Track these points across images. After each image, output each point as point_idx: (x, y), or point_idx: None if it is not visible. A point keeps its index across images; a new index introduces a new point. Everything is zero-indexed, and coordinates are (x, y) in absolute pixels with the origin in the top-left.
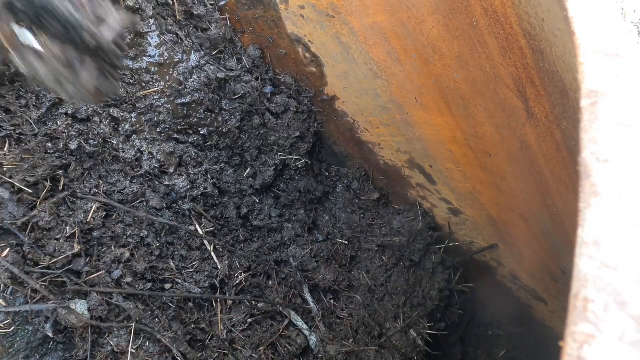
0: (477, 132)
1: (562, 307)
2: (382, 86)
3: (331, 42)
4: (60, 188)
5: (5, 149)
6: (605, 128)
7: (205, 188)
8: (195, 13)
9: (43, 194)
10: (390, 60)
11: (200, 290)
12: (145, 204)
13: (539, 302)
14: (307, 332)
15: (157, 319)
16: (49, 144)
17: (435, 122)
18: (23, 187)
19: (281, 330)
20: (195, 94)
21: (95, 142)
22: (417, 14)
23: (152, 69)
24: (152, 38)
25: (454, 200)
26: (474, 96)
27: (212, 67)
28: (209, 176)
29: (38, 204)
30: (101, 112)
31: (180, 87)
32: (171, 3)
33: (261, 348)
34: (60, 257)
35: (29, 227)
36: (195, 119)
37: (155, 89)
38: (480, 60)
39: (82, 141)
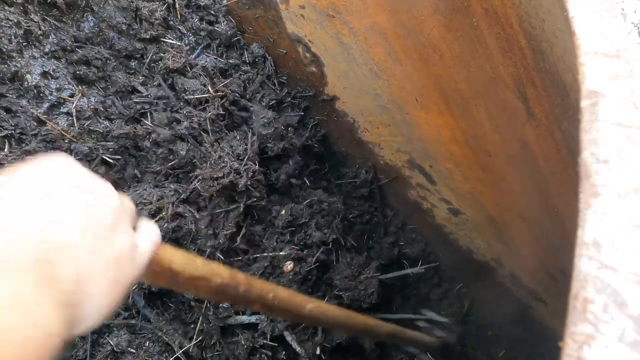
0: (477, 132)
1: (562, 308)
2: (382, 86)
3: (331, 41)
4: None
5: (6, 150)
6: (606, 129)
7: None
8: (202, 4)
9: None
10: (391, 60)
11: None
12: None
13: (538, 303)
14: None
15: (159, 318)
16: (50, 144)
17: (435, 122)
18: None
19: None
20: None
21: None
22: (418, 14)
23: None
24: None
25: (454, 201)
26: (474, 96)
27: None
28: None
29: None
30: (102, 110)
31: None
32: (172, 2)
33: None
34: None
35: None
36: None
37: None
38: (481, 61)
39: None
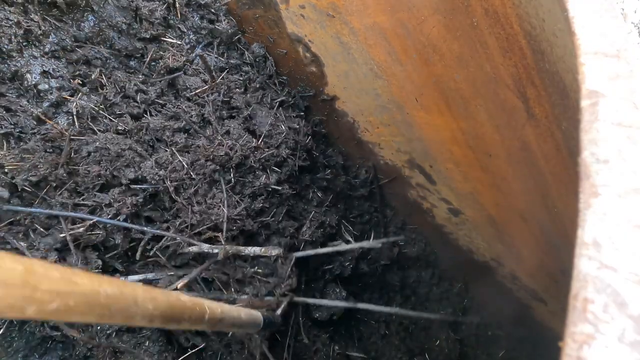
0: (477, 132)
1: (562, 308)
2: (382, 86)
3: (331, 41)
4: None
5: (5, 149)
6: (606, 128)
7: None
8: (202, 2)
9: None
10: (391, 60)
11: None
12: None
13: (538, 303)
14: None
15: None
16: (49, 143)
17: (435, 122)
18: (26, 187)
19: None
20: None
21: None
22: (418, 14)
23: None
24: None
25: (454, 201)
26: (474, 96)
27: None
28: None
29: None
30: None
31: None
32: (172, 1)
33: None
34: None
35: None
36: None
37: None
38: (481, 60)
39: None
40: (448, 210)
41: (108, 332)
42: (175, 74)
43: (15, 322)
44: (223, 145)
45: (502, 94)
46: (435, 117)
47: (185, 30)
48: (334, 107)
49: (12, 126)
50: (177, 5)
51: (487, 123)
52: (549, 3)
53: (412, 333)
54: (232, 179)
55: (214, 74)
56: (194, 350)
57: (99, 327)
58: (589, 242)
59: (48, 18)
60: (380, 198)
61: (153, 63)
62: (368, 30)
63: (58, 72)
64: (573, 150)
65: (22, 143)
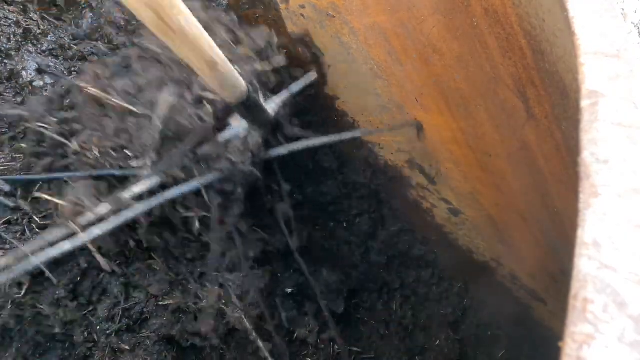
0: (477, 132)
1: (562, 308)
2: (382, 86)
3: (331, 41)
4: None
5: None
6: (606, 128)
7: None
8: None
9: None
10: (391, 60)
11: None
12: None
13: (538, 303)
14: None
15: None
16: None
17: (435, 122)
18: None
19: None
20: None
21: None
22: (418, 14)
23: None
24: None
25: (454, 201)
26: (474, 96)
27: None
28: None
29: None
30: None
31: None
32: None
33: None
34: None
35: None
36: None
37: None
38: (481, 60)
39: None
40: (448, 210)
41: (108, 332)
42: None
43: (15, 322)
44: None
45: (502, 94)
46: (435, 117)
47: None
48: (334, 107)
49: (7, 126)
50: None
51: (487, 123)
52: (549, 3)
53: (412, 333)
54: None
55: None
56: (192, 349)
57: (98, 327)
58: (589, 242)
59: (47, 17)
60: (380, 198)
61: None
62: (368, 30)
63: (56, 69)
64: (573, 150)
65: (14, 142)
